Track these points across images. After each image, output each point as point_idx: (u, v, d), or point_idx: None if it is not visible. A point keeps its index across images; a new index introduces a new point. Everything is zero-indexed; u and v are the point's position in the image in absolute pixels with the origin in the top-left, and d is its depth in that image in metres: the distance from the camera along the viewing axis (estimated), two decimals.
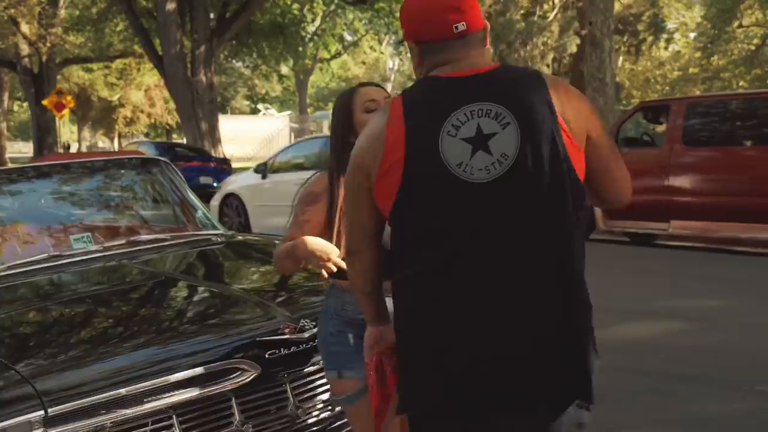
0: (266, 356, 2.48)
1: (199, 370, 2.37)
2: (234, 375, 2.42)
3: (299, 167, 11.71)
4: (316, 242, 2.27)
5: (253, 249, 3.99)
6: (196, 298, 3.08)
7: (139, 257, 3.50)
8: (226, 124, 29.47)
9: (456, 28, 1.89)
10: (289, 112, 51.19)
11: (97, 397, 2.20)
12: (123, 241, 3.58)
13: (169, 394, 2.31)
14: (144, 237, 3.67)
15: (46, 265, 3.31)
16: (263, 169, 12.17)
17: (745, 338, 5.81)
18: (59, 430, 2.15)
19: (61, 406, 2.16)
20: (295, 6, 27.51)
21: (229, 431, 2.43)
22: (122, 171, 4.15)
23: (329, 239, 2.30)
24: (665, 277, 8.33)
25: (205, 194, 19.87)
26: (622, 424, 4.25)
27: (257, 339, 2.51)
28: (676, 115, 10.37)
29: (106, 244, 3.51)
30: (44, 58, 29.29)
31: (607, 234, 11.51)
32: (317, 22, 33.32)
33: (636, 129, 12.47)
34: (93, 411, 2.20)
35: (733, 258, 9.88)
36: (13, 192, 3.79)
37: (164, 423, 2.34)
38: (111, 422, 2.22)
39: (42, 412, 2.13)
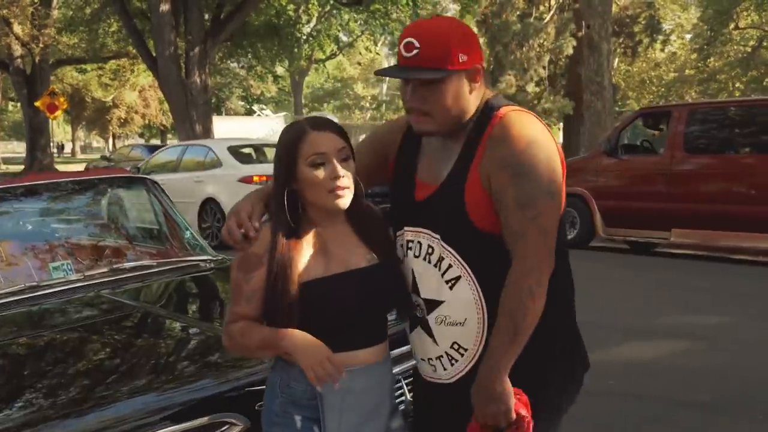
0: (256, 408, 2.25)
1: (182, 426, 2.16)
2: (221, 430, 2.21)
3: (165, 169, 13.37)
4: (306, 340, 1.89)
5: None
6: (179, 340, 2.84)
7: (121, 286, 3.28)
8: (221, 124, 29.27)
9: None
10: (284, 113, 50.97)
11: None
12: (105, 270, 3.36)
13: None
14: (128, 264, 3.45)
15: (21, 297, 3.09)
16: (137, 171, 13.20)
17: (753, 359, 5.64)
18: None
19: None
20: (291, 7, 27.32)
21: None
22: (106, 191, 3.94)
23: (274, 305, 1.96)
24: (666, 290, 8.18)
25: None
26: None
27: (246, 389, 2.29)
28: (678, 122, 10.23)
29: (87, 273, 3.30)
30: (37, 58, 29.12)
31: (607, 242, 11.35)
32: (312, 23, 33.16)
33: (634, 135, 12.33)
34: None
35: (735, 268, 9.75)
36: None
37: None
38: None
39: None
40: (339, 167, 1.95)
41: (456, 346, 2.02)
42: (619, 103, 38.68)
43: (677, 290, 8.14)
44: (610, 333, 6.31)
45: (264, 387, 2.25)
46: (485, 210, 1.92)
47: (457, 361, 2.03)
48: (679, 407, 4.67)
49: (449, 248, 1.97)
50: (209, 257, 3.72)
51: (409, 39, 1.91)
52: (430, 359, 2.08)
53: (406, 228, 2.07)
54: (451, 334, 2.01)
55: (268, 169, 12.93)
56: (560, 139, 38.15)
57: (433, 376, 2.09)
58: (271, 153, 13.88)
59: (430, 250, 2.01)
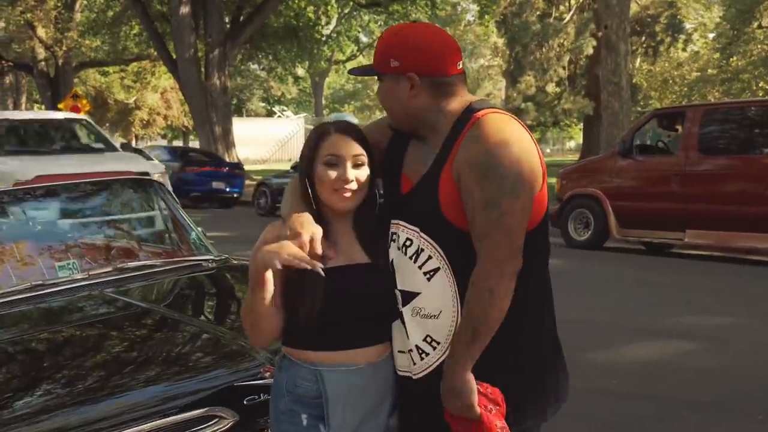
0: (245, 402, 2.34)
1: (172, 419, 2.24)
2: (210, 423, 2.28)
3: None
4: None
5: (244, 276, 3.83)
6: (173, 337, 2.91)
7: (124, 285, 3.37)
8: (241, 126, 29.52)
9: (458, 66, 2.11)
10: (305, 114, 51.21)
11: None
12: (110, 269, 3.45)
13: None
14: (132, 264, 3.54)
15: (27, 295, 3.19)
16: None
17: (760, 361, 5.64)
18: None
19: None
20: (310, 9, 27.47)
21: None
22: (112, 192, 4.04)
23: (299, 290, 2.03)
24: (678, 291, 8.17)
25: (218, 199, 19.91)
26: None
27: (235, 384, 2.37)
28: (692, 123, 10.21)
29: (92, 272, 3.39)
30: (60, 61, 29.45)
31: (622, 243, 11.33)
32: (332, 24, 33.31)
33: (655, 136, 12.30)
34: None
35: (749, 269, 9.71)
36: None
37: None
38: None
39: None
40: (349, 171, 2.04)
41: (429, 339, 2.04)
42: (641, 103, 38.42)
43: (689, 291, 8.13)
44: (618, 333, 6.34)
45: (250, 383, 2.34)
46: (459, 208, 1.97)
47: (428, 354, 2.05)
48: (684, 407, 4.68)
49: (430, 240, 2.02)
50: (212, 257, 3.79)
51: None
52: (401, 351, 2.11)
53: (392, 221, 2.12)
54: (425, 327, 2.04)
55: None
56: (580, 140, 37.93)
57: (407, 370, 2.11)
58: None
59: (408, 243, 2.05)
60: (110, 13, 28.28)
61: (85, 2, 31.18)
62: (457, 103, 2.09)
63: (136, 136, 49.67)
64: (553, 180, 10.33)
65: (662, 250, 11.02)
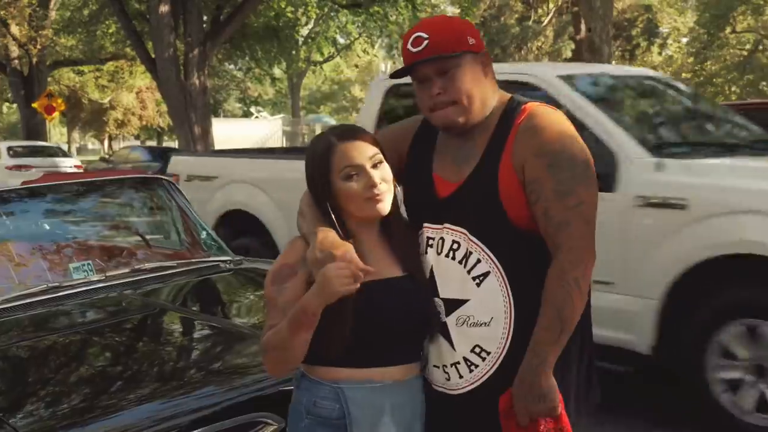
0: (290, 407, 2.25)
1: (216, 425, 2.15)
2: (255, 429, 2.20)
3: None
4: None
5: (263, 277, 3.73)
6: (209, 341, 2.83)
7: (143, 287, 3.25)
8: (218, 127, 29.16)
9: None
10: (281, 115, 50.98)
11: None
12: (126, 270, 3.34)
13: None
14: (148, 265, 3.43)
15: (43, 297, 3.06)
16: None
17: None
18: None
19: None
20: (290, 9, 27.32)
21: None
22: (123, 191, 3.92)
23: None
24: None
25: None
26: None
27: (281, 388, 2.27)
28: None
29: (108, 273, 3.27)
30: (34, 60, 29.06)
31: None
32: (310, 25, 33.20)
33: None
34: None
35: None
36: (7, 214, 3.55)
37: None
38: None
39: None
40: (374, 175, 1.88)
41: (478, 350, 1.91)
42: None
43: None
44: None
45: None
46: (518, 202, 1.88)
47: (476, 366, 1.92)
48: None
49: (479, 243, 1.89)
50: (228, 258, 3.69)
51: (418, 34, 1.90)
52: (444, 366, 1.97)
53: (426, 225, 2.00)
54: (474, 337, 1.92)
55: None
56: None
57: (445, 386, 1.98)
58: None
59: (455, 246, 1.92)
60: (86, 12, 27.88)
61: (61, 0, 30.81)
62: (500, 93, 2.00)
63: (110, 137, 49.19)
64: None
65: None
